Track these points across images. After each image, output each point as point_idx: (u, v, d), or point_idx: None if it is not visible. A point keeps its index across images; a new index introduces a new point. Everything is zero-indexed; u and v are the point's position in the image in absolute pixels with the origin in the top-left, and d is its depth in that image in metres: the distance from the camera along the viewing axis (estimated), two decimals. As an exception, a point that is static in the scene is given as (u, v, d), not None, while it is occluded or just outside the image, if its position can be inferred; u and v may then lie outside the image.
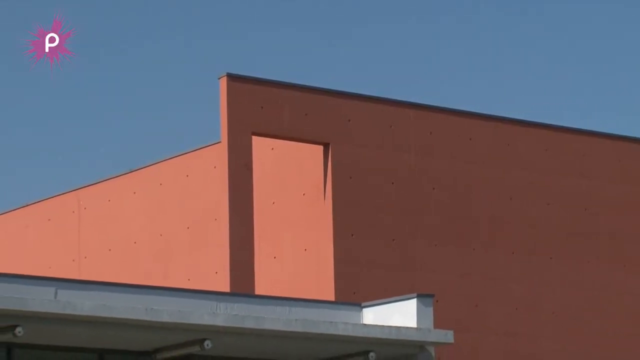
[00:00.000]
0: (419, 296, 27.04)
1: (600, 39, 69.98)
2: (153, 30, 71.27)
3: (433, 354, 27.18)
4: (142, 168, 33.16)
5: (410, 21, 68.30)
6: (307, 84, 30.61)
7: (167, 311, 24.74)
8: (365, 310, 27.50)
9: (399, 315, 27.10)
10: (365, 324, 27.09)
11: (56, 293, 24.36)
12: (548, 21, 69.82)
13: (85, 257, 33.23)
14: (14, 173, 68.39)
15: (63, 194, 35.02)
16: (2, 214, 36.73)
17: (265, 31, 68.42)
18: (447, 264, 30.55)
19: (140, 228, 32.63)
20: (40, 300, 23.64)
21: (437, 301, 27.35)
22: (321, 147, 29.95)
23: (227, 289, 27.92)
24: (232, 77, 29.30)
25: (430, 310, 27.01)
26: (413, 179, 30.73)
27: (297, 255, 30.12)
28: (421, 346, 27.01)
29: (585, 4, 69.19)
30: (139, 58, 70.75)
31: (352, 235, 29.67)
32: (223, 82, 29.27)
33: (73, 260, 33.06)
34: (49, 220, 34.89)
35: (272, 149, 30.12)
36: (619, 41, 70.35)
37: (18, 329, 23.27)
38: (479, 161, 31.71)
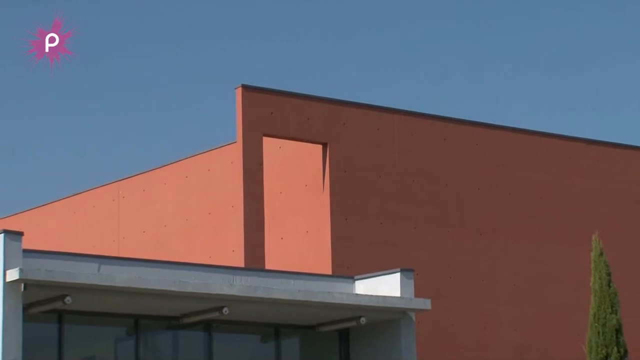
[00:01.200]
0: (402, 270, 27.11)
1: (555, 45, 69.27)
2: (180, 42, 68.65)
3: (414, 318, 27.25)
4: (171, 163, 33.18)
5: (396, 34, 67.22)
6: (308, 93, 30.58)
7: (191, 283, 24.84)
8: (357, 282, 27.54)
9: (385, 286, 27.15)
10: (357, 294, 27.12)
11: (99, 268, 24.43)
12: (509, 34, 69.03)
13: (124, 238, 33.26)
14: (64, 167, 67.51)
15: (105, 185, 35.05)
16: (54, 201, 36.75)
17: (273, 44, 67.54)
18: (425, 243, 30.56)
19: (170, 213, 32.65)
20: (86, 274, 23.74)
21: (417, 274, 27.38)
22: (320, 146, 29.97)
23: (241, 265, 28.02)
24: (246, 88, 29.38)
25: (411, 282, 27.06)
26: (397, 172, 30.76)
27: (300, 236, 30.14)
28: (404, 312, 27.06)
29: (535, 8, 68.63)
30: (168, 66, 69.33)
31: (346, 219, 29.67)
32: (239, 92, 29.34)
33: (113, 241, 33.10)
34: (94, 207, 34.92)
35: (280, 147, 30.13)
36: (569, 46, 69.74)
37: (67, 298, 23.37)
38: (452, 158, 31.73)
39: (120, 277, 24.09)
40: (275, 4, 66.84)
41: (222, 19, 68.31)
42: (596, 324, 24.57)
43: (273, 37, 67.46)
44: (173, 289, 24.46)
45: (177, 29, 68.00)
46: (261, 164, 29.13)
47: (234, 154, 29.48)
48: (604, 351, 24.24)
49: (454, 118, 32.36)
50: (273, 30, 67.98)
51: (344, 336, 27.98)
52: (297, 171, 30.48)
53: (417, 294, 27.04)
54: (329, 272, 28.76)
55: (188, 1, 68.33)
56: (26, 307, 23.09)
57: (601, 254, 25.23)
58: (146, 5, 68.90)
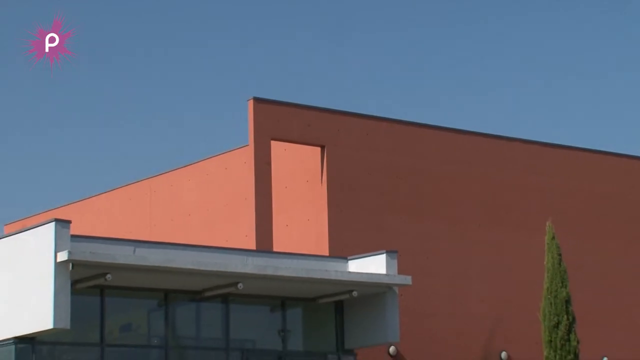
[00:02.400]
0: (387, 252, 27.19)
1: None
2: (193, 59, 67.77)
3: (397, 292, 27.36)
4: (194, 163, 33.11)
5: (384, 46, 66.81)
6: (309, 102, 30.50)
7: (211, 263, 24.94)
8: (350, 262, 27.65)
9: (373, 265, 27.23)
10: (350, 272, 27.22)
11: (134, 250, 24.54)
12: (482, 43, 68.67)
13: (155, 225, 33.27)
14: (105, 166, 66.30)
15: (139, 181, 34.98)
16: (97, 195, 36.73)
17: (280, 56, 66.93)
18: (407, 230, 30.49)
19: (193, 205, 32.58)
20: (123, 255, 23.86)
21: (399, 256, 27.44)
22: (319, 149, 29.93)
23: (253, 247, 27.96)
24: (256, 99, 29.30)
25: (395, 262, 27.17)
26: (384, 171, 30.67)
27: (302, 224, 30.07)
28: (389, 287, 27.17)
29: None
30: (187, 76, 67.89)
31: (341, 210, 29.60)
32: (250, 103, 29.30)
33: (146, 227, 33.08)
34: (130, 199, 34.90)
35: (285, 149, 30.03)
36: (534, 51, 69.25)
37: (108, 276, 23.49)
38: (430, 159, 31.62)
39: (152, 258, 24.24)
40: (284, 20, 66.29)
41: (232, 29, 66.99)
42: (549, 296, 24.77)
43: (279, 49, 66.80)
44: (196, 267, 24.57)
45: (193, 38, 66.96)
46: (269, 164, 29.08)
47: (246, 155, 29.46)
48: (555, 319, 24.42)
49: (432, 125, 32.26)
50: (279, 44, 67.05)
51: (338, 307, 28.08)
52: (299, 169, 30.40)
53: (400, 272, 27.16)
54: (326, 254, 28.70)
55: (201, 8, 66.42)
56: (73, 283, 23.16)
57: (553, 238, 25.45)
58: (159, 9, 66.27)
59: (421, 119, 32.91)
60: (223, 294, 25.97)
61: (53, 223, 23.08)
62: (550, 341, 24.29)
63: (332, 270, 26.84)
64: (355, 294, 26.85)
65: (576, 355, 24.19)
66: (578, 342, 24.45)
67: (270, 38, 65.77)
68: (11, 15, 62.08)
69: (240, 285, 25.17)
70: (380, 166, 30.72)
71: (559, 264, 24.86)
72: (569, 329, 24.25)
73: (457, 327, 30.72)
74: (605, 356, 32.69)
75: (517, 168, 33.13)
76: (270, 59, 66.06)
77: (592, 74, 67.66)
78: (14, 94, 63.34)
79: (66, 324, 22.69)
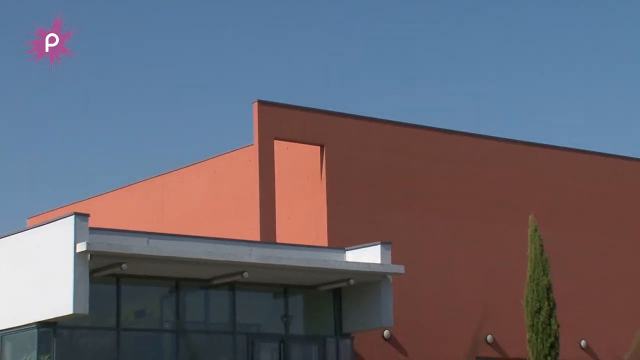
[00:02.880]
0: (381, 243, 27.33)
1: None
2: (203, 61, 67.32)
3: (391, 280, 27.47)
4: (202, 161, 33.04)
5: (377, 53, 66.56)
6: (309, 105, 30.48)
7: (219, 253, 25.05)
8: (347, 252, 27.76)
9: (369, 255, 27.36)
10: (347, 261, 27.34)
11: (148, 241, 24.68)
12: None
13: (167, 218, 33.27)
14: (118, 163, 66.25)
15: (153, 177, 34.94)
16: (112, 191, 36.61)
17: (282, 60, 66.56)
18: (400, 223, 30.46)
19: (202, 199, 32.57)
20: (138, 246, 24.00)
21: (393, 247, 27.57)
22: (319, 147, 29.95)
23: (258, 239, 28.02)
24: (261, 102, 29.26)
25: (389, 252, 27.31)
26: (379, 168, 30.69)
27: (303, 217, 30.08)
28: (383, 275, 27.29)
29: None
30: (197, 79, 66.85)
31: (339, 204, 29.61)
32: (255, 105, 29.24)
33: (159, 221, 33.06)
34: (144, 194, 34.79)
35: (287, 148, 30.07)
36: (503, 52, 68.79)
37: (123, 265, 23.61)
38: (422, 158, 31.61)
39: (164, 248, 24.35)
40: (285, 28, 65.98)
41: (235, 32, 65.91)
42: (531, 284, 24.73)
43: (282, 53, 66.32)
44: (205, 257, 24.71)
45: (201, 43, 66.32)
46: (273, 162, 29.14)
47: (251, 153, 29.46)
48: (537, 305, 24.41)
49: (423, 125, 32.26)
50: (281, 48, 66.39)
51: (337, 294, 28.17)
52: (300, 167, 30.40)
53: (393, 262, 27.28)
54: (325, 245, 28.72)
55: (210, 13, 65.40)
56: (91, 272, 23.26)
57: (536, 230, 25.44)
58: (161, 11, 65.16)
59: (413, 120, 33.01)
60: (230, 282, 26.04)
61: (73, 216, 23.20)
62: (533, 325, 24.32)
63: (330, 260, 26.96)
64: (352, 282, 26.99)
65: (556, 339, 24.24)
66: (558, 326, 24.49)
67: (273, 42, 65.46)
68: (11, 15, 59.65)
69: (245, 274, 25.27)
70: (376, 164, 30.73)
71: (541, 254, 24.90)
72: (550, 314, 24.30)
73: (447, 313, 30.70)
74: (584, 339, 32.78)
75: (502, 166, 33.14)
76: (273, 63, 65.76)
77: (573, 74, 67.22)
78: (27, 92, 61.74)
79: (85, 309, 22.82)
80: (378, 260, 27.10)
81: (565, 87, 67.77)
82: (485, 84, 66.93)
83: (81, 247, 22.74)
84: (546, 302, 24.37)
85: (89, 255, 22.86)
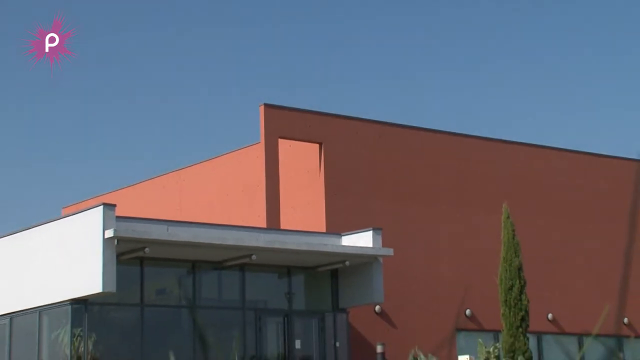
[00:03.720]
0: (373, 229, 27.42)
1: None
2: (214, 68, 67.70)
3: (381, 261, 27.53)
4: (215, 157, 32.98)
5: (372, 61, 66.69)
6: (309, 108, 30.49)
7: (230, 238, 25.16)
8: (343, 237, 27.81)
9: (362, 239, 27.43)
10: (343, 245, 27.42)
11: (167, 228, 24.77)
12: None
13: (184, 208, 33.20)
14: (142, 159, 66.16)
15: (172, 172, 34.87)
16: (136, 183, 36.52)
17: (286, 64, 66.26)
18: (389, 211, 30.42)
19: (216, 191, 32.50)
20: (158, 232, 24.13)
21: (383, 232, 27.60)
22: (317, 145, 29.94)
23: (264, 226, 28.02)
24: (267, 105, 29.27)
25: (379, 237, 27.39)
26: (371, 163, 30.66)
27: (304, 206, 30.03)
28: (375, 257, 27.35)
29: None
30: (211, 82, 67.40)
31: (335, 194, 29.62)
32: (261, 108, 29.28)
33: (177, 210, 32.97)
34: (164, 186, 34.77)
35: (290, 146, 30.02)
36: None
37: (146, 249, 23.74)
38: (409, 154, 31.56)
39: (182, 234, 24.50)
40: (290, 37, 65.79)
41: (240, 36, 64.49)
42: (505, 264, 24.81)
43: (284, 58, 65.60)
44: (217, 242, 24.82)
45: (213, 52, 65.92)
46: (277, 157, 29.13)
47: (258, 150, 29.47)
48: (510, 282, 24.51)
49: (411, 125, 32.24)
50: (283, 53, 65.47)
51: (334, 274, 28.17)
52: (302, 162, 30.35)
53: (384, 245, 27.33)
54: (324, 231, 28.71)
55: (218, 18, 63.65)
56: (118, 255, 23.39)
57: (508, 217, 25.52)
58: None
59: (402, 120, 33.00)
60: (239, 263, 26.09)
61: (101, 207, 23.34)
62: (506, 300, 24.43)
63: (328, 244, 27.04)
64: (347, 263, 27.07)
65: (526, 312, 24.37)
66: (528, 301, 24.61)
67: (276, 50, 65.25)
68: (11, 15, 54.75)
69: (253, 257, 25.34)
70: (368, 160, 30.69)
71: (513, 238, 25.00)
72: (521, 291, 24.39)
73: (432, 290, 30.70)
74: (550, 313, 32.84)
75: (480, 161, 33.05)
76: (276, 70, 65.60)
77: (545, 74, 66.47)
78: (60, 93, 59.51)
79: (113, 288, 22.99)
80: (370, 244, 27.16)
81: (537, 87, 67.33)
82: (470, 86, 66.56)
83: (109, 233, 22.88)
84: (517, 281, 24.45)
85: (115, 241, 22.99)
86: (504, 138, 34.43)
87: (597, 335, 32.53)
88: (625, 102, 66.76)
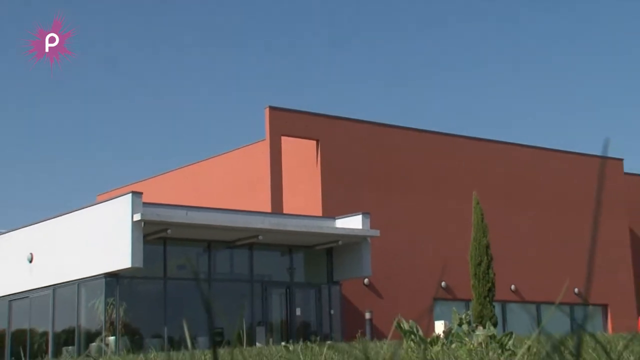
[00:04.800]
0: (362, 213, 27.48)
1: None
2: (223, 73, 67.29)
3: (369, 241, 27.58)
4: (226, 152, 33.09)
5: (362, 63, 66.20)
6: (309, 110, 30.51)
7: (240, 221, 25.19)
8: (336, 220, 27.85)
9: (353, 222, 27.48)
10: (336, 227, 27.47)
11: (187, 213, 24.81)
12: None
13: (201, 195, 33.18)
14: (165, 152, 66.60)
15: (190, 164, 34.99)
16: (159, 174, 36.68)
17: (287, 67, 66.47)
18: (377, 199, 30.49)
19: (227, 181, 32.53)
20: (179, 216, 24.16)
21: (371, 216, 27.63)
22: (314, 142, 29.98)
23: (269, 210, 28.13)
24: (271, 107, 29.41)
25: (368, 220, 27.44)
26: (360, 158, 30.71)
27: (303, 194, 30.02)
28: (364, 237, 27.40)
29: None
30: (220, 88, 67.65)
31: (330, 185, 29.66)
32: (267, 110, 29.38)
33: (195, 197, 32.92)
34: (184, 177, 34.88)
35: (291, 142, 30.01)
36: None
37: (168, 230, 23.77)
38: (395, 150, 31.59)
39: (199, 218, 24.56)
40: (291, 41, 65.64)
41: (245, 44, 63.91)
42: (474, 243, 24.71)
43: (286, 68, 65.87)
44: (229, 224, 24.85)
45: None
46: (280, 153, 29.25)
47: (264, 146, 29.54)
48: (479, 259, 24.45)
49: (396, 125, 32.22)
50: (285, 62, 65.73)
51: (329, 252, 28.22)
52: (301, 155, 30.37)
53: (372, 227, 27.38)
54: (320, 215, 28.76)
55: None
56: (145, 236, 23.42)
57: (478, 203, 25.42)
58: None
59: (389, 120, 33.00)
60: (248, 243, 26.15)
61: (130, 194, 23.40)
62: (475, 274, 24.42)
63: (324, 226, 27.11)
64: (340, 242, 27.15)
65: (493, 284, 24.37)
66: (494, 274, 24.63)
67: (279, 58, 65.18)
68: (11, 15, 49.57)
69: (260, 237, 25.43)
70: (359, 154, 30.72)
71: (482, 221, 24.93)
72: (488, 266, 24.38)
73: (413, 266, 30.78)
74: (513, 284, 32.97)
75: (455, 156, 33.11)
76: (277, 74, 65.69)
77: (510, 77, 66.33)
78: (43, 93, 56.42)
79: (140, 264, 23.05)
80: (360, 226, 27.22)
81: (535, 89, 66.71)
82: (453, 89, 66.53)
83: (137, 217, 22.95)
84: (485, 257, 24.40)
85: (142, 223, 23.04)
86: (475, 136, 34.48)
87: (553, 303, 32.57)
88: (589, 103, 66.50)
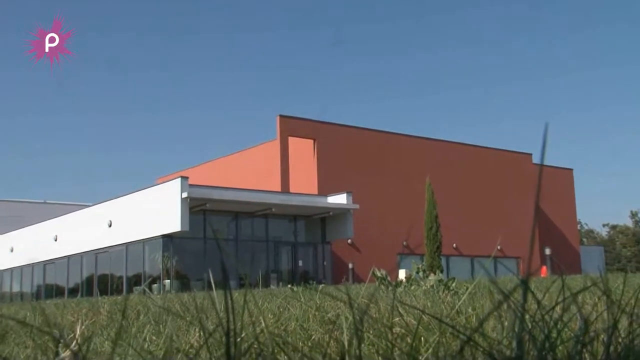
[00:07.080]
0: (346, 192, 27.36)
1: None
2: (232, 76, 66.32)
3: (352, 212, 27.38)
4: (247, 149, 32.87)
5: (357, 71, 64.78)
6: (309, 117, 30.17)
7: (258, 197, 25.04)
8: (328, 197, 27.71)
9: (340, 199, 27.34)
10: (328, 202, 27.35)
11: (221, 192, 24.64)
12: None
13: (230, 180, 32.55)
14: (206, 148, 66.22)
15: (221, 157, 34.77)
16: (200, 164, 36.04)
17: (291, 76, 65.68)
18: (360, 182, 30.15)
19: (246, 173, 32.19)
20: (215, 194, 23.93)
21: (354, 194, 27.52)
22: (312, 140, 29.75)
23: (279, 190, 27.94)
24: (282, 116, 29.23)
25: (350, 197, 27.34)
26: (350, 153, 30.42)
27: (304, 180, 29.71)
28: (348, 210, 27.25)
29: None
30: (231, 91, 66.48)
31: (325, 172, 29.44)
32: (277, 118, 29.20)
33: (226, 180, 32.30)
34: (218, 167, 34.60)
35: (296, 142, 29.74)
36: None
37: (207, 204, 23.66)
38: (371, 147, 31.29)
39: (228, 195, 24.43)
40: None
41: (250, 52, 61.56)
42: (427, 214, 24.60)
43: (288, 75, 64.84)
44: (250, 200, 24.73)
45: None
46: (287, 149, 29.05)
47: (274, 146, 29.32)
48: (430, 225, 24.19)
49: (375, 129, 31.71)
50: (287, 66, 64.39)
51: (323, 220, 28.05)
52: (302, 152, 30.03)
53: (354, 202, 27.26)
54: (316, 193, 28.48)
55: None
56: (190, 208, 23.29)
57: (429, 185, 25.33)
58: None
59: (368, 125, 32.77)
60: (264, 213, 26.04)
61: (179, 178, 23.27)
62: (428, 236, 24.36)
63: (319, 202, 27.04)
64: (331, 213, 27.09)
65: (440, 243, 24.26)
66: (441, 236, 24.57)
67: (283, 68, 64.43)
68: (11, 15, 39.80)
69: (273, 209, 25.38)
70: (345, 150, 30.43)
71: (432, 197, 24.85)
72: (437, 230, 24.27)
73: (384, 230, 30.56)
74: (455, 243, 32.92)
75: (415, 151, 32.78)
76: (284, 84, 65.38)
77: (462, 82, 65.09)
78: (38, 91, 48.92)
79: (187, 228, 22.99)
80: (344, 202, 27.16)
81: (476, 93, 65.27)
82: (417, 100, 65.52)
83: (184, 195, 22.87)
84: (435, 224, 24.27)
85: (188, 199, 22.97)
86: (433, 137, 34.26)
87: (484, 257, 32.56)
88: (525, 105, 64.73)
